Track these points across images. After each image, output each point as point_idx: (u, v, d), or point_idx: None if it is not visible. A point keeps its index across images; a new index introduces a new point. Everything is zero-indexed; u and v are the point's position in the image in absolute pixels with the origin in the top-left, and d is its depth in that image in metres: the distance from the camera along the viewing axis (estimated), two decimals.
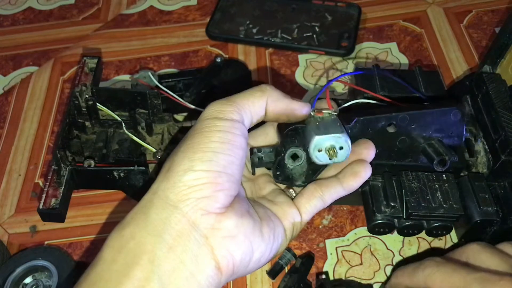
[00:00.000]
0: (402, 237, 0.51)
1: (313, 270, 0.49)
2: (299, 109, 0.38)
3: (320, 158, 0.37)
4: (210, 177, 0.32)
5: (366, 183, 0.48)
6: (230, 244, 0.32)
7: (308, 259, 0.48)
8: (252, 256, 0.33)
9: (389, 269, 0.50)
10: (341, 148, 0.37)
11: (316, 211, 0.39)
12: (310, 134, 0.37)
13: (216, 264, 0.31)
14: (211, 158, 0.32)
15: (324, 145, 0.36)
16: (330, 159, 0.37)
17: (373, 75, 0.54)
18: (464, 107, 0.52)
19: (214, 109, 0.35)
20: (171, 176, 0.32)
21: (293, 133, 0.39)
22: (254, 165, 0.39)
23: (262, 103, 0.37)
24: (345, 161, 0.38)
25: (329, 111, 0.39)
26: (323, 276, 0.48)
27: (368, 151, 0.40)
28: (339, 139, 0.36)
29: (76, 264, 0.49)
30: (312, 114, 0.39)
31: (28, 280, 0.48)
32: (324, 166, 0.39)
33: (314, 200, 0.39)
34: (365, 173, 0.39)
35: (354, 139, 0.41)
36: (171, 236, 0.30)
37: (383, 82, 0.54)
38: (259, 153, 0.39)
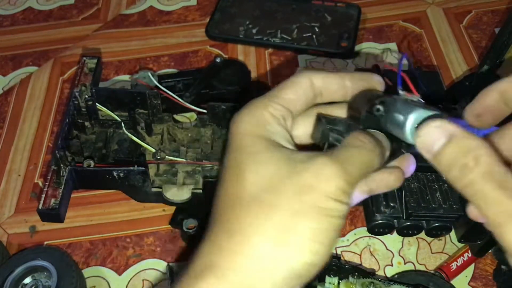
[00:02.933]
0: (401, 237, 0.51)
1: None
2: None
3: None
4: None
5: None
6: None
7: None
8: None
9: (388, 269, 0.50)
10: None
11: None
12: (408, 107, 0.28)
13: None
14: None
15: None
16: None
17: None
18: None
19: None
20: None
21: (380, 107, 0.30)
22: (324, 137, 0.31)
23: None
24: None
25: (414, 97, 0.31)
26: None
27: (409, 165, 0.33)
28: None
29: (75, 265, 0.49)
30: (401, 93, 0.31)
31: (27, 280, 0.48)
32: (401, 152, 0.32)
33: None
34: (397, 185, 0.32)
35: None
36: None
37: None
38: (332, 126, 0.31)
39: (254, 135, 0.29)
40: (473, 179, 0.24)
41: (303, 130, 0.33)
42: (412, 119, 0.27)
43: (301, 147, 0.32)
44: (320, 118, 0.32)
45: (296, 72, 0.32)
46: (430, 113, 0.27)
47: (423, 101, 0.30)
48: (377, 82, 0.33)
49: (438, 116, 0.27)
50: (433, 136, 0.26)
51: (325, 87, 0.32)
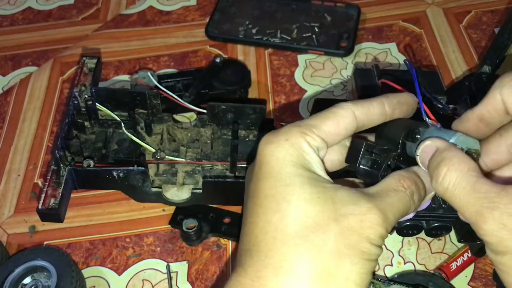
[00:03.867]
0: (401, 237, 0.51)
1: None
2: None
3: None
4: None
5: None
6: None
7: None
8: None
9: (388, 269, 0.50)
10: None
11: None
12: (446, 133, 0.31)
13: None
14: None
15: (470, 144, 0.30)
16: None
17: (373, 75, 0.54)
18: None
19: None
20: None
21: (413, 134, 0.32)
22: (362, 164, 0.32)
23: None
24: None
25: (430, 122, 0.33)
26: None
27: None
28: (477, 144, 0.31)
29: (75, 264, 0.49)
30: (429, 122, 0.33)
31: (27, 280, 0.48)
32: None
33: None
34: None
35: None
36: None
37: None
38: (373, 153, 0.32)
39: (294, 164, 0.29)
40: (447, 186, 0.28)
41: (336, 156, 0.33)
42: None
43: (332, 172, 0.33)
44: (357, 142, 0.32)
45: (338, 104, 0.32)
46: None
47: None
48: (414, 102, 0.34)
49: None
50: (425, 151, 0.30)
51: (368, 120, 0.32)
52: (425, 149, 0.30)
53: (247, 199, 0.31)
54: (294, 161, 0.29)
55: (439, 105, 0.50)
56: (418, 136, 0.31)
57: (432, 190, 0.32)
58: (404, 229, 0.47)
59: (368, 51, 0.69)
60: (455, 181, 0.28)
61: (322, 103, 0.52)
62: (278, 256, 0.27)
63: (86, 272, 0.51)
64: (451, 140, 0.30)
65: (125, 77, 0.68)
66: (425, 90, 0.49)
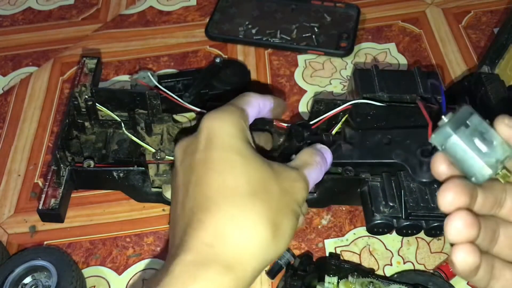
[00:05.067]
0: (401, 237, 0.51)
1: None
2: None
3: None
4: None
5: (365, 183, 0.48)
6: None
7: (307, 258, 0.48)
8: None
9: (388, 269, 0.50)
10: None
11: None
12: (470, 159, 0.27)
13: None
14: None
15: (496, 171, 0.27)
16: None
17: (372, 75, 0.54)
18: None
19: None
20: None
21: None
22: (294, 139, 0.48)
23: None
24: None
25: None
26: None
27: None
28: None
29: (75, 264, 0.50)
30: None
31: (27, 280, 0.48)
32: None
33: None
34: None
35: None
36: None
37: (382, 82, 0.54)
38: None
39: (241, 139, 0.36)
40: None
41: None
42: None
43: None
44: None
45: (249, 93, 0.41)
46: None
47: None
48: (285, 107, 0.47)
49: None
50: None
51: (262, 112, 0.41)
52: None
53: (193, 166, 0.35)
54: (240, 136, 0.35)
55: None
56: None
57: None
58: (403, 229, 0.47)
59: (368, 51, 0.69)
60: None
61: (322, 103, 0.52)
62: (235, 208, 0.33)
63: (86, 272, 0.51)
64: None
65: (125, 77, 0.68)
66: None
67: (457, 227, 0.26)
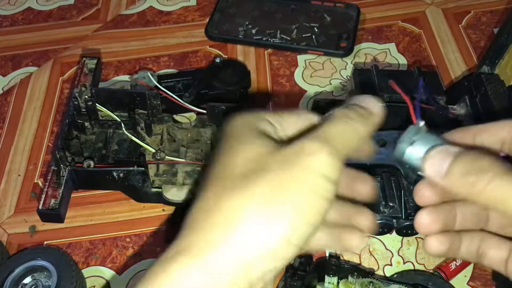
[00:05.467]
0: (401, 237, 0.51)
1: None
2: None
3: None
4: None
5: None
6: None
7: (307, 259, 0.48)
8: None
9: (388, 269, 0.50)
10: None
11: None
12: (415, 150, 0.29)
13: None
14: None
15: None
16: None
17: (372, 75, 0.54)
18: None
19: None
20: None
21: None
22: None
23: None
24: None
25: (416, 125, 0.31)
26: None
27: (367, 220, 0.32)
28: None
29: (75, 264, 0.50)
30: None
31: (27, 280, 0.48)
32: None
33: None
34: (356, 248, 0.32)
35: None
36: None
37: (382, 82, 0.54)
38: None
39: (247, 126, 0.29)
40: (491, 179, 0.25)
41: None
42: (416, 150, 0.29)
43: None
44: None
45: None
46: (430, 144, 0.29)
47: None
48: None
49: (439, 145, 0.28)
50: (439, 160, 0.28)
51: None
52: (438, 159, 0.28)
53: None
54: (248, 125, 0.29)
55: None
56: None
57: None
58: (403, 229, 0.47)
59: (368, 51, 0.69)
60: (501, 180, 0.26)
61: (322, 103, 0.52)
62: (213, 199, 0.27)
63: (86, 272, 0.51)
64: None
65: (125, 77, 0.68)
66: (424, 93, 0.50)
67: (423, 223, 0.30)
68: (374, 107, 0.30)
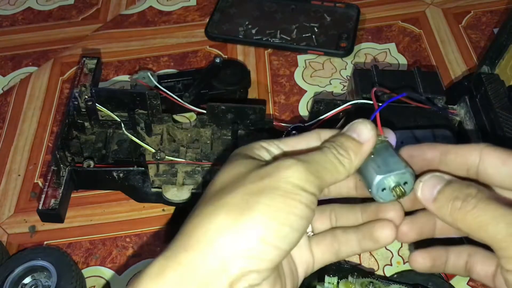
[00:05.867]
0: None
1: None
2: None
3: (384, 197, 0.31)
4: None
5: None
6: None
7: None
8: None
9: (388, 269, 0.50)
10: (405, 183, 0.31)
11: (326, 263, 0.35)
12: (369, 172, 0.31)
13: None
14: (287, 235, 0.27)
15: (388, 184, 0.31)
16: (395, 198, 0.31)
17: (372, 75, 0.54)
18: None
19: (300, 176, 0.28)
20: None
21: None
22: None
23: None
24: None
25: (381, 137, 0.32)
26: None
27: (396, 213, 0.33)
28: (404, 175, 0.31)
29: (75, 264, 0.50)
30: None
31: (27, 280, 0.48)
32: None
33: (328, 254, 0.34)
34: (387, 240, 0.33)
35: None
36: None
37: (382, 82, 0.54)
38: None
39: (241, 153, 0.31)
40: (476, 204, 0.27)
41: (351, 183, 0.34)
42: (374, 186, 0.31)
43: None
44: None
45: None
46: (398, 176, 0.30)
47: (386, 139, 0.32)
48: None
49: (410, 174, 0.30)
50: (431, 186, 0.30)
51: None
52: (428, 184, 0.30)
53: None
54: (243, 153, 0.31)
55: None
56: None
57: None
58: None
59: (368, 51, 0.69)
60: (487, 204, 0.27)
61: (322, 103, 0.52)
62: (214, 193, 0.29)
63: (86, 272, 0.51)
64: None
65: (125, 77, 0.68)
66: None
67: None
68: (367, 135, 0.31)
